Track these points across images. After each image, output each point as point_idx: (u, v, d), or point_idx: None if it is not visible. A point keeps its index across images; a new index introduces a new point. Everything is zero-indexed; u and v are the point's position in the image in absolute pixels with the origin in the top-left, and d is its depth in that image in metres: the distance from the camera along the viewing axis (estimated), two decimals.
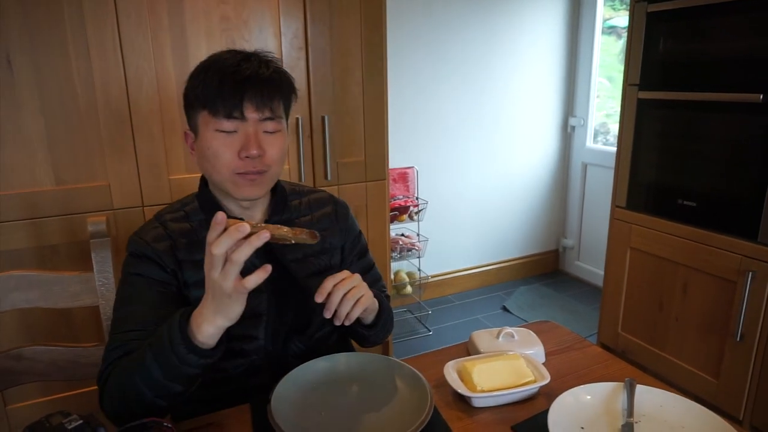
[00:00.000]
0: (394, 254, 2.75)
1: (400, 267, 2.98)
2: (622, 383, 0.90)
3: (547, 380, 0.91)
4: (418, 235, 2.88)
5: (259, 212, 1.04)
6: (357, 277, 0.92)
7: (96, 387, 0.94)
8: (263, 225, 0.75)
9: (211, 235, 0.72)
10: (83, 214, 1.72)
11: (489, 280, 3.41)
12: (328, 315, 0.88)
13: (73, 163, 1.71)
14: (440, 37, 2.90)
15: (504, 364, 0.94)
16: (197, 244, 0.97)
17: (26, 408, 1.79)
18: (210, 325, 0.76)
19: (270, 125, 0.93)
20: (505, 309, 3.10)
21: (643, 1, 1.99)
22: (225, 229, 0.72)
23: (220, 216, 0.71)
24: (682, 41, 1.91)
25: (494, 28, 3.05)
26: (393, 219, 2.73)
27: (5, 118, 1.61)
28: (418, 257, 2.86)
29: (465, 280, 3.34)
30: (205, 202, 1.00)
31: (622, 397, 0.88)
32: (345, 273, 0.91)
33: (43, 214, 1.69)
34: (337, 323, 0.89)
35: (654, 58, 2.01)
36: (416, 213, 2.81)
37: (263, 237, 0.72)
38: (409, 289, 2.90)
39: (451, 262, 3.28)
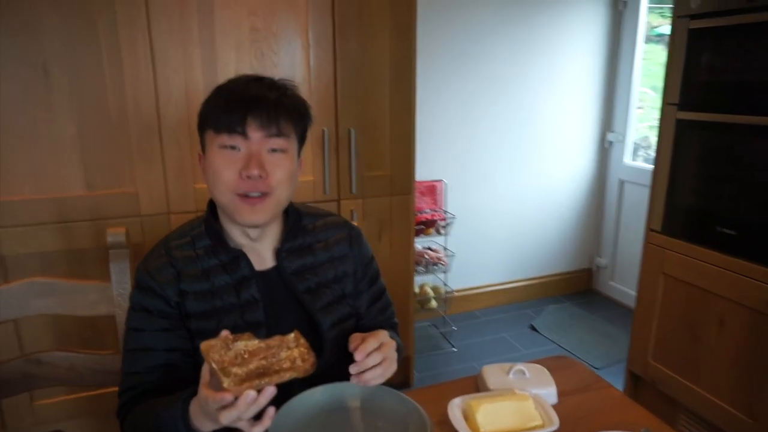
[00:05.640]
0: (419, 268, 2.72)
1: (425, 281, 2.94)
2: None
3: (555, 426, 0.87)
4: (445, 249, 2.84)
5: (269, 241, 1.01)
6: (393, 346, 0.89)
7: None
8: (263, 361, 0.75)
9: (213, 405, 0.69)
10: (112, 220, 1.77)
11: (517, 297, 3.33)
12: (353, 371, 0.85)
13: (103, 170, 1.76)
14: (472, 49, 2.86)
15: (511, 404, 0.90)
16: (200, 274, 0.96)
17: (52, 405, 1.85)
18: (210, 428, 0.76)
19: (276, 142, 0.91)
20: (532, 328, 3.02)
21: (686, 17, 1.90)
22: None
23: (228, 397, 0.68)
24: (726, 60, 1.81)
25: (529, 39, 2.98)
26: (419, 233, 2.70)
27: (41, 124, 1.66)
28: (444, 272, 2.82)
29: (492, 296, 3.27)
30: (211, 230, 0.99)
31: None
32: (383, 337, 0.88)
33: (73, 218, 1.75)
34: (354, 380, 0.86)
35: (695, 77, 1.91)
36: (443, 227, 2.77)
37: (269, 394, 0.70)
38: (433, 303, 2.86)
39: (478, 277, 3.22)
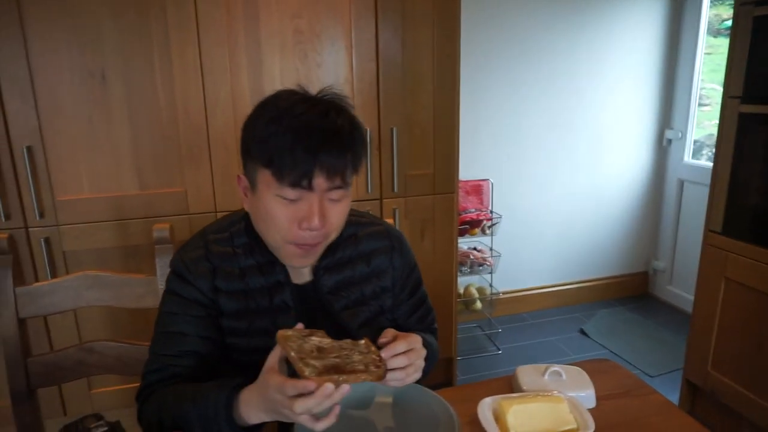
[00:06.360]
0: (464, 268, 2.68)
1: (471, 281, 2.90)
2: None
3: (590, 430, 0.83)
4: (490, 249, 2.79)
5: None
6: (421, 354, 0.85)
7: None
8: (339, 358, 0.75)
9: (292, 391, 0.69)
10: (162, 218, 1.85)
11: (567, 300, 3.22)
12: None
13: (155, 170, 1.84)
14: (522, 45, 2.79)
15: (544, 406, 0.87)
16: (236, 273, 0.94)
17: (108, 393, 1.95)
18: (258, 419, 0.77)
19: (336, 194, 0.85)
20: (583, 332, 2.91)
21: (750, 4, 1.78)
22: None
23: (311, 385, 0.68)
24: None
25: (581, 33, 2.88)
26: (464, 233, 2.66)
27: (99, 128, 1.76)
28: (490, 272, 2.77)
29: (541, 299, 3.18)
30: (251, 229, 0.95)
31: None
32: (415, 342, 0.83)
33: (127, 216, 1.83)
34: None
35: (760, 68, 1.79)
36: (489, 227, 2.72)
37: (344, 391, 0.71)
38: (478, 304, 2.81)
39: (526, 278, 3.14)
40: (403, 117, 2.05)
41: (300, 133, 0.80)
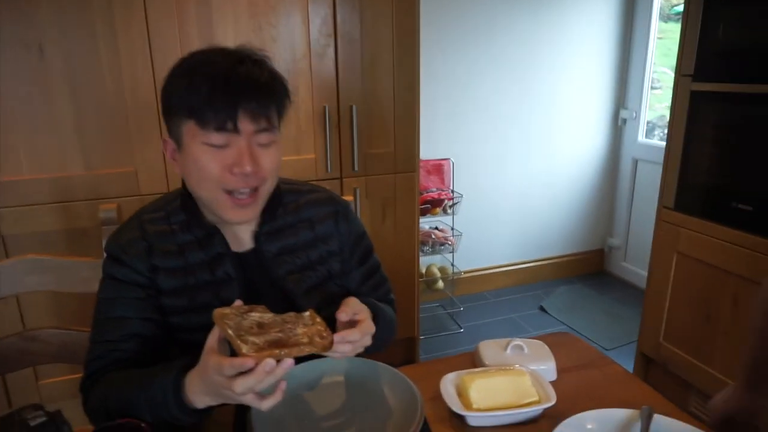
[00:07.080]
0: (426, 248, 2.68)
1: (432, 261, 2.91)
2: (638, 411, 0.81)
3: (552, 402, 0.83)
4: (452, 228, 2.80)
5: (248, 223, 0.95)
6: (366, 341, 0.81)
7: None
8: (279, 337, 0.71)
9: (230, 371, 0.66)
10: (111, 199, 1.76)
11: (527, 278, 3.28)
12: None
13: (101, 149, 1.74)
14: (481, 26, 2.78)
15: (506, 380, 0.87)
16: (175, 250, 0.91)
17: (56, 383, 1.86)
18: (203, 404, 0.74)
19: (265, 137, 0.84)
20: (542, 309, 2.97)
21: None
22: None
23: (249, 362, 0.65)
24: (745, 28, 1.72)
25: (540, 13, 2.89)
26: (426, 212, 2.65)
27: (38, 105, 1.65)
28: (452, 252, 2.78)
29: (501, 277, 3.22)
30: (188, 205, 0.93)
31: (635, 428, 0.79)
32: (367, 328, 0.80)
33: (72, 197, 1.73)
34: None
35: (712, 47, 1.82)
36: (450, 206, 2.72)
37: (287, 365, 0.67)
38: (440, 284, 2.83)
39: (487, 257, 3.17)
40: (363, 94, 2.00)
41: (218, 80, 0.80)
